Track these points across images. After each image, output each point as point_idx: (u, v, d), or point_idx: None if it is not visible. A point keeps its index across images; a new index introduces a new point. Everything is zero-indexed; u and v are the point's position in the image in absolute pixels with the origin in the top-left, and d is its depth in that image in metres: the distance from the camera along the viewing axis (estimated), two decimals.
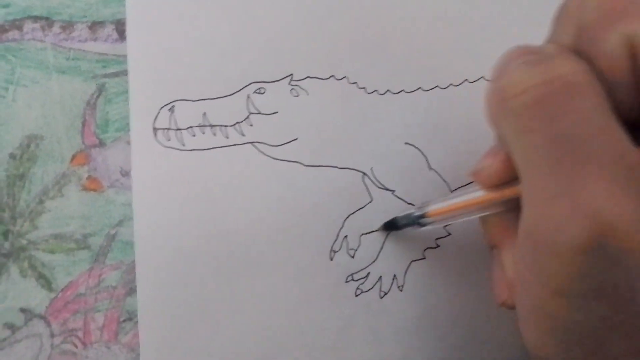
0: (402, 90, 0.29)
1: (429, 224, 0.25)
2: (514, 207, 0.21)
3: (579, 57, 0.17)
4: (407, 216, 0.26)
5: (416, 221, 0.26)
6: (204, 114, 0.28)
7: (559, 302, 0.17)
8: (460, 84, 0.29)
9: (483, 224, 0.24)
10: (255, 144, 0.28)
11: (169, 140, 0.28)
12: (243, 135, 0.28)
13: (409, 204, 0.29)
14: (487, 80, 0.29)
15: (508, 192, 0.21)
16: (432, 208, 0.25)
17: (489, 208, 0.22)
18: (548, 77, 0.17)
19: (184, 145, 0.28)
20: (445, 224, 0.28)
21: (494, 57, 0.29)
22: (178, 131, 0.28)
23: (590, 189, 0.16)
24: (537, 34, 0.21)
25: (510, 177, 0.20)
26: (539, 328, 0.19)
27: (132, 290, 0.28)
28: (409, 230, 0.28)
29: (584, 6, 0.18)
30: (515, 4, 0.30)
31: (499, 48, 0.28)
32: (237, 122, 0.28)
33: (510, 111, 0.17)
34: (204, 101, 0.28)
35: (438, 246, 0.29)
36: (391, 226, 0.28)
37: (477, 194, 0.22)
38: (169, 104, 0.28)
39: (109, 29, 0.28)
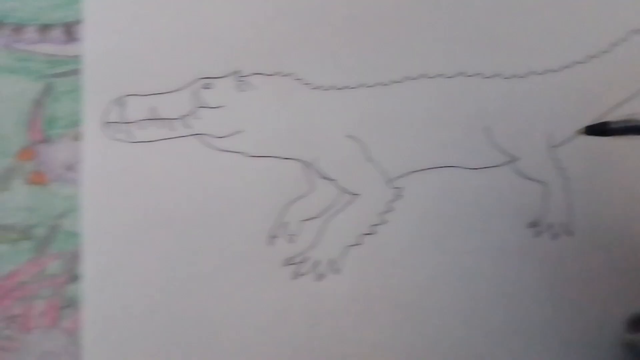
0: (346, 86, 0.30)
1: None
2: None
3: None
4: (626, 122, 0.24)
5: (637, 129, 0.24)
6: (153, 108, 0.29)
7: None
8: (403, 80, 0.31)
9: None
10: (201, 136, 0.29)
11: (118, 133, 0.29)
12: (189, 127, 0.29)
13: (349, 192, 0.29)
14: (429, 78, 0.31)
15: None
16: None
17: None
18: None
19: (132, 137, 0.29)
20: None
21: (434, 56, 0.31)
22: (127, 124, 0.29)
23: None
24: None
25: None
26: None
27: (73, 278, 0.28)
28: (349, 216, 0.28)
29: None
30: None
31: (437, 47, 0.31)
32: (184, 116, 0.29)
33: None
34: (153, 96, 0.29)
35: (375, 233, 0.29)
36: (597, 131, 0.26)
37: None
38: (118, 98, 0.29)
39: (58, 32, 0.29)
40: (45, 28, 0.29)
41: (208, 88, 0.29)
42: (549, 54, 0.31)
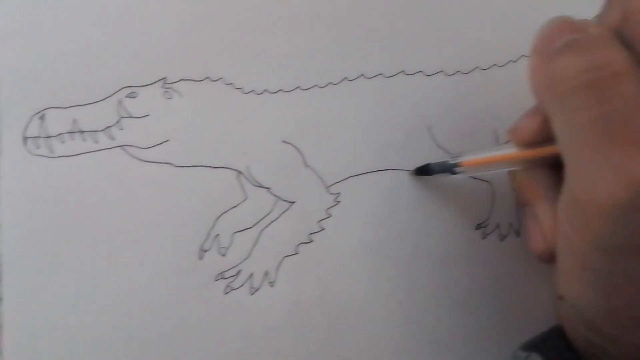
0: (280, 90, 0.29)
1: (461, 173, 0.27)
2: (543, 165, 0.24)
3: (620, 43, 0.20)
4: (442, 164, 0.27)
5: (449, 169, 0.27)
6: (74, 120, 0.27)
7: (601, 256, 0.19)
8: (340, 82, 0.29)
9: (513, 180, 0.26)
10: (125, 147, 0.28)
11: (39, 148, 0.27)
12: (113, 139, 0.28)
13: (284, 200, 0.28)
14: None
15: (541, 152, 0.23)
16: (466, 158, 0.26)
17: (520, 164, 0.25)
18: (598, 63, 0.19)
19: (52, 152, 0.27)
20: (475, 174, 0.29)
21: (372, 55, 0.30)
22: (47, 139, 0.27)
23: (631, 158, 0.18)
24: None
25: (543, 138, 0.23)
26: (582, 280, 0.21)
27: None
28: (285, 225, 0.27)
29: None
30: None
31: (376, 46, 0.30)
32: (107, 127, 0.28)
33: (560, 91, 0.20)
34: (74, 108, 0.28)
35: (312, 241, 0.28)
36: (423, 171, 0.29)
37: (511, 150, 0.24)
38: (39, 112, 0.27)
39: None
40: None
41: (132, 97, 0.28)
42: (494, 48, 0.31)
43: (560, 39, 0.20)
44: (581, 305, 0.21)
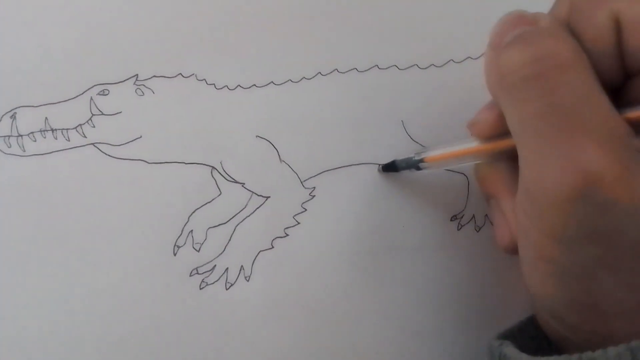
0: (254, 85, 0.29)
1: (426, 168, 0.27)
2: (505, 158, 0.24)
3: (569, 33, 0.20)
4: (407, 160, 0.28)
5: (414, 165, 0.27)
6: (46, 118, 0.27)
7: (556, 247, 0.20)
8: (314, 76, 0.30)
9: (476, 173, 0.26)
10: (97, 144, 0.27)
11: (10, 147, 0.27)
12: (85, 137, 0.27)
13: (259, 195, 0.28)
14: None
15: (500, 144, 0.24)
16: (430, 154, 0.27)
17: (481, 157, 0.25)
18: (542, 54, 0.19)
19: (24, 151, 0.27)
20: (440, 168, 0.29)
21: (345, 50, 0.30)
22: (19, 137, 0.27)
23: (579, 148, 0.18)
24: None
25: (502, 131, 0.23)
26: (540, 271, 0.21)
27: None
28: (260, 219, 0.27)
29: None
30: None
31: (349, 40, 0.30)
32: (79, 125, 0.27)
33: (508, 84, 0.20)
34: (45, 106, 0.27)
35: (287, 235, 0.28)
36: (389, 168, 0.29)
37: (472, 144, 0.25)
38: (10, 111, 0.27)
39: None
40: None
41: (104, 95, 0.28)
42: (467, 41, 0.31)
43: (512, 33, 0.20)
44: (543, 296, 0.22)
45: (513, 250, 0.24)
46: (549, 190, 0.19)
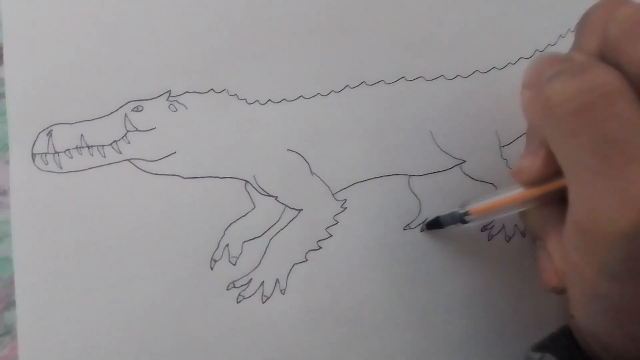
0: (284, 99, 0.29)
1: (472, 221, 0.27)
2: (551, 200, 0.23)
3: (609, 65, 0.20)
4: (451, 215, 0.27)
5: (459, 219, 0.27)
6: (82, 135, 0.28)
7: (611, 284, 0.19)
8: (342, 89, 0.30)
9: (523, 218, 0.26)
10: (133, 160, 0.28)
11: (47, 164, 0.27)
12: (120, 153, 0.28)
13: (292, 208, 0.28)
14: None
15: (547, 188, 0.23)
16: (475, 206, 0.26)
17: (528, 204, 0.24)
18: (589, 86, 0.19)
19: (61, 168, 0.27)
20: (486, 220, 0.29)
21: (373, 62, 0.31)
22: (55, 154, 0.27)
23: (632, 181, 0.18)
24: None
25: (549, 175, 0.22)
26: (592, 308, 0.21)
27: (9, 305, 0.27)
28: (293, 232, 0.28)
29: (610, 20, 0.20)
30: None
31: (377, 53, 0.30)
32: (115, 141, 0.28)
33: (556, 118, 0.19)
34: (81, 123, 0.28)
35: (320, 247, 0.28)
36: (434, 225, 0.29)
37: (517, 192, 0.24)
38: (46, 128, 0.28)
39: None
40: None
41: (138, 111, 0.28)
42: (493, 51, 0.31)
43: (551, 70, 0.21)
44: (595, 331, 0.21)
45: (560, 291, 0.23)
46: (604, 226, 0.18)
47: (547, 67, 0.21)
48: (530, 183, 0.23)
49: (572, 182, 0.20)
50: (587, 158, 0.19)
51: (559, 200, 0.22)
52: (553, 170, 0.22)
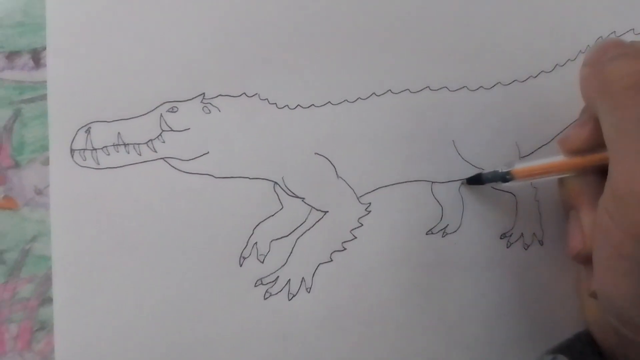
0: (312, 105, 0.30)
1: (512, 180, 0.28)
2: (589, 171, 0.26)
3: None
4: (494, 173, 0.29)
5: (501, 177, 0.28)
6: (119, 133, 0.29)
7: (637, 243, 0.21)
8: (369, 97, 0.31)
9: (561, 186, 0.28)
10: (167, 159, 0.29)
11: (85, 160, 0.29)
12: (155, 151, 0.29)
13: (318, 210, 0.30)
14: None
15: (589, 159, 0.26)
16: (518, 167, 0.28)
17: (568, 171, 0.27)
18: None
19: (98, 164, 0.29)
20: (526, 181, 0.30)
21: (399, 72, 0.32)
22: (93, 151, 0.29)
23: None
24: None
25: (592, 146, 0.25)
26: (617, 270, 0.22)
27: (45, 302, 0.28)
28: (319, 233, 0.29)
29: None
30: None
31: (402, 63, 0.31)
32: (150, 140, 0.29)
33: (612, 92, 0.23)
34: (118, 121, 0.29)
35: (345, 249, 0.29)
36: (475, 181, 0.30)
37: (560, 158, 0.27)
38: (85, 126, 0.29)
39: (26, 58, 0.29)
40: (12, 55, 0.29)
41: (173, 111, 0.29)
42: (515, 64, 0.32)
43: (615, 51, 0.24)
44: (614, 295, 0.23)
45: (583, 259, 0.26)
46: (638, 189, 0.21)
47: (611, 48, 0.24)
48: (574, 151, 0.26)
49: (615, 151, 0.22)
50: (633, 129, 0.21)
51: (597, 172, 0.25)
52: (596, 143, 0.25)
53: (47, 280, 0.28)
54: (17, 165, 0.28)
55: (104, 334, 0.28)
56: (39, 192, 0.29)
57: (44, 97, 0.29)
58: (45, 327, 0.28)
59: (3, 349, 0.28)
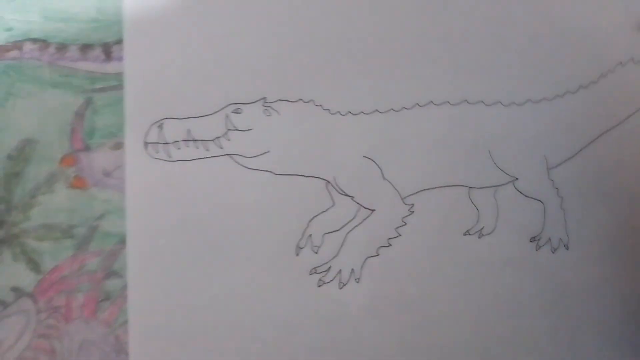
0: (362, 112, 0.33)
1: None
2: None
3: None
4: None
5: None
6: (188, 130, 0.32)
7: None
8: (412, 107, 0.34)
9: None
10: (232, 155, 0.32)
11: (158, 152, 0.31)
12: (221, 148, 0.32)
13: (366, 208, 0.32)
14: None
15: None
16: None
17: None
18: None
19: (170, 156, 0.31)
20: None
21: (440, 86, 0.35)
22: (165, 145, 0.31)
23: None
24: None
25: None
26: None
27: (110, 275, 0.31)
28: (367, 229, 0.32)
29: None
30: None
31: (444, 77, 0.34)
32: (217, 137, 0.32)
33: None
34: (188, 119, 0.32)
35: (390, 245, 0.32)
36: None
37: None
38: (158, 121, 0.31)
39: (98, 51, 0.32)
40: (85, 47, 0.32)
41: (238, 113, 0.32)
42: (544, 84, 0.35)
43: None
44: None
45: None
46: None
47: None
48: None
49: None
50: None
51: None
52: None
53: (113, 255, 0.30)
54: (87, 148, 0.31)
55: (171, 308, 0.30)
56: (107, 174, 0.31)
57: (113, 88, 0.31)
58: (109, 297, 0.30)
59: (71, 316, 0.30)
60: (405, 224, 0.32)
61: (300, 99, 0.33)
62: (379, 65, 0.34)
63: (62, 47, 0.31)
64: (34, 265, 0.30)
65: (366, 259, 0.32)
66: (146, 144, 0.31)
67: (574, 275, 0.33)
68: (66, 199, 0.30)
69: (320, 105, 0.33)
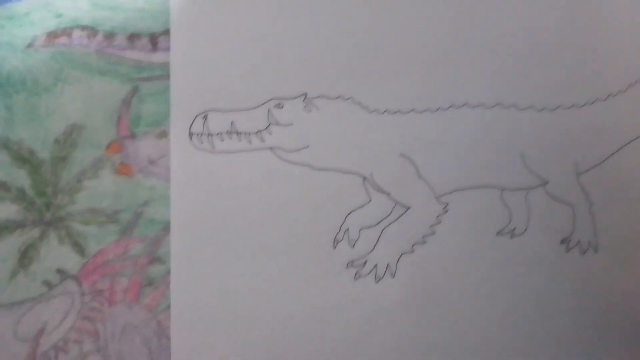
0: (399, 111, 0.34)
1: None
2: None
3: None
4: None
5: None
6: (232, 122, 0.32)
7: None
8: (448, 108, 0.34)
9: None
10: (273, 149, 0.32)
11: (202, 143, 0.32)
12: (263, 141, 0.32)
13: (402, 205, 0.33)
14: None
15: None
16: None
17: None
18: None
19: (214, 148, 0.32)
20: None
21: (476, 88, 0.35)
22: (209, 136, 0.32)
23: None
24: None
25: None
26: None
27: (153, 261, 0.31)
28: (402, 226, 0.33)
29: None
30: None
31: (479, 81, 0.35)
32: (259, 131, 0.32)
33: None
34: (232, 112, 0.32)
35: (425, 242, 0.33)
36: None
37: None
38: (202, 113, 0.32)
39: (145, 41, 0.32)
40: (133, 36, 0.32)
41: (279, 107, 0.33)
42: (575, 90, 0.35)
43: None
44: None
45: None
46: None
47: None
48: None
49: None
50: None
51: None
52: None
53: (157, 241, 0.31)
54: (133, 136, 0.32)
55: (211, 294, 0.31)
56: (152, 161, 0.32)
57: (159, 77, 0.32)
58: (152, 283, 0.31)
59: (114, 299, 0.31)
60: (440, 222, 0.33)
61: (340, 96, 0.34)
62: (418, 65, 0.34)
63: (110, 36, 0.32)
64: (79, 248, 0.31)
65: (401, 255, 0.33)
66: (191, 134, 0.32)
67: (603, 277, 0.34)
68: (112, 185, 0.31)
69: (359, 102, 0.34)
